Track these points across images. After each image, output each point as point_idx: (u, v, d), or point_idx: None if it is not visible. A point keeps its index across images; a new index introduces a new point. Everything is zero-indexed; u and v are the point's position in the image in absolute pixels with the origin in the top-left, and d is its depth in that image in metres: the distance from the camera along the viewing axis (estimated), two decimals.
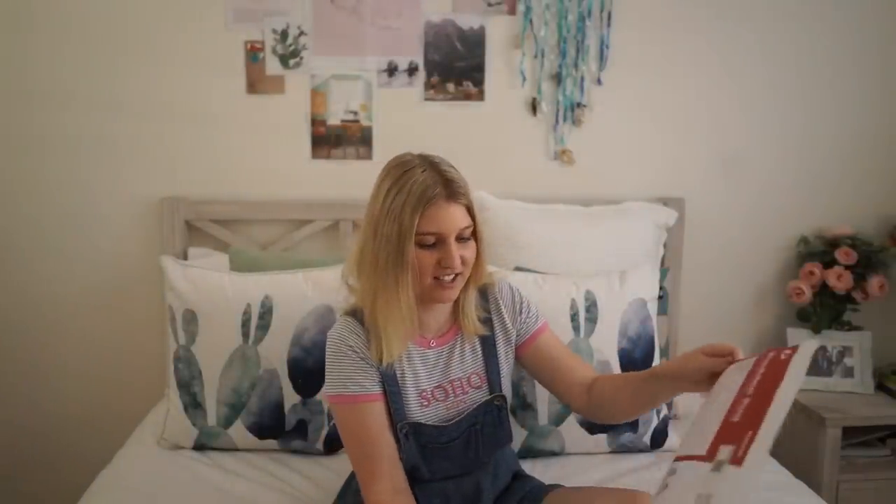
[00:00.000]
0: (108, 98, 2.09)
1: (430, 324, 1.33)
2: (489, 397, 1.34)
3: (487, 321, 1.36)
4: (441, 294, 1.25)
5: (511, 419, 1.47)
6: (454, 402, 1.32)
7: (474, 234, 1.26)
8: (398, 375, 1.28)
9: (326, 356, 1.28)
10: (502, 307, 1.38)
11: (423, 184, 1.19)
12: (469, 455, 1.31)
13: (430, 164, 1.23)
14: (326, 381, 1.27)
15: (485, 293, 1.38)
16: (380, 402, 1.25)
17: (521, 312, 1.39)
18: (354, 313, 1.29)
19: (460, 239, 1.23)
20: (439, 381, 1.32)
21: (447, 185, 1.21)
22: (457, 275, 1.24)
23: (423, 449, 1.28)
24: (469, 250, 1.25)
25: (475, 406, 1.32)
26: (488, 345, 1.36)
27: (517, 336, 1.38)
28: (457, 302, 1.32)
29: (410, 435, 1.26)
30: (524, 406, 1.68)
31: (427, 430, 1.28)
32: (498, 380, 1.35)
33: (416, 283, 1.22)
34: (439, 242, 1.22)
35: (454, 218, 1.21)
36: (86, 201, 2.13)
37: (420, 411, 1.29)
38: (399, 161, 1.25)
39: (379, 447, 1.23)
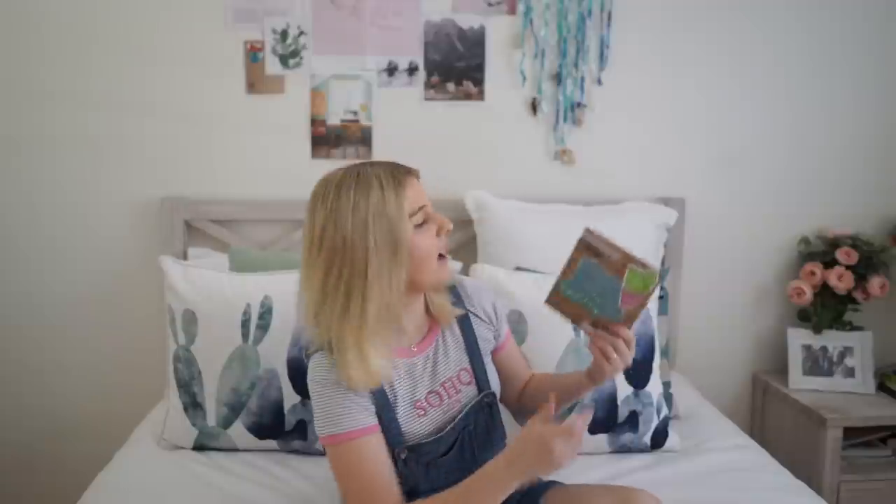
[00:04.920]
0: (108, 98, 2.09)
1: (410, 329, 1.30)
2: (479, 396, 1.32)
3: (464, 311, 1.36)
4: (446, 272, 1.25)
5: (507, 417, 1.48)
6: (449, 403, 1.30)
7: None
8: (389, 396, 1.24)
9: (312, 398, 1.22)
10: (475, 302, 1.38)
11: (386, 171, 1.18)
12: (465, 458, 1.29)
13: (366, 162, 1.22)
14: (316, 423, 1.21)
15: (453, 290, 1.37)
16: (377, 434, 1.20)
17: (496, 314, 1.40)
18: (324, 350, 1.23)
19: None
20: (431, 387, 1.29)
21: (400, 165, 1.22)
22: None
23: (427, 467, 1.25)
24: None
25: (468, 406, 1.31)
26: (470, 341, 1.35)
27: (494, 340, 1.40)
28: (425, 296, 1.31)
29: (410, 460, 1.23)
30: None
31: (427, 448, 1.25)
32: (484, 376, 1.34)
33: (420, 272, 1.20)
34: (426, 218, 1.21)
35: (422, 189, 1.22)
36: (86, 201, 2.13)
37: (418, 422, 1.26)
38: (339, 176, 1.19)
39: (381, 483, 1.17)
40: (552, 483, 1.38)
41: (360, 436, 1.18)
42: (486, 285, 1.47)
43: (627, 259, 1.18)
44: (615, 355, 1.21)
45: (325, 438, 1.20)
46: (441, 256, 1.24)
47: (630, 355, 1.22)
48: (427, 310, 1.33)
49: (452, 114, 2.16)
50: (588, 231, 1.23)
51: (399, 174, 1.19)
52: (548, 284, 1.28)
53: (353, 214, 1.15)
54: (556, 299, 1.26)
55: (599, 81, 2.17)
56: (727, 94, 2.22)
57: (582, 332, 1.70)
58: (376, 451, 1.19)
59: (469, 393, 1.32)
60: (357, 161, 1.26)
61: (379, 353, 1.18)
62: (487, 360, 1.38)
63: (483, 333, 1.37)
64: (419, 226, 1.20)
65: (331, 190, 1.18)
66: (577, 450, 1.10)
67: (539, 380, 1.44)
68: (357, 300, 1.16)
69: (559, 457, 1.08)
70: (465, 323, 1.35)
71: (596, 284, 1.21)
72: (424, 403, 1.28)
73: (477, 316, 1.37)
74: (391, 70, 2.13)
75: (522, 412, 1.46)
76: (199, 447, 1.71)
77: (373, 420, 1.20)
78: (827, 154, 2.27)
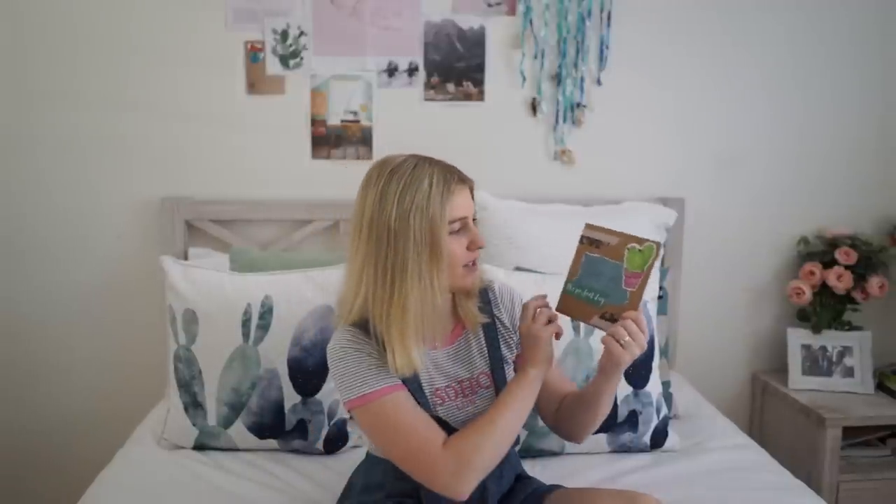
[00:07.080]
0: (108, 98, 2.09)
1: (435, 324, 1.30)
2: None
3: (490, 319, 1.35)
4: (471, 280, 1.26)
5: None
6: (464, 402, 1.30)
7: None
8: (411, 379, 1.24)
9: (333, 367, 1.22)
10: (502, 308, 1.37)
11: (441, 173, 1.20)
12: None
13: (427, 158, 1.23)
14: (342, 390, 1.20)
15: (484, 293, 1.37)
16: (406, 391, 1.21)
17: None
18: (358, 325, 1.23)
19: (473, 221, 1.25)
20: (448, 382, 1.31)
21: (457, 171, 1.23)
22: (474, 260, 1.25)
23: None
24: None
25: (483, 409, 1.31)
26: (493, 347, 1.35)
27: (516, 348, 1.38)
28: (454, 296, 1.31)
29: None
30: None
31: (448, 429, 1.23)
32: (504, 382, 1.33)
33: (448, 275, 1.21)
34: (463, 227, 1.22)
35: (470, 201, 1.23)
36: (86, 201, 2.13)
37: (434, 410, 1.27)
38: (397, 162, 1.22)
39: (425, 426, 1.18)
40: (554, 486, 1.38)
41: (391, 391, 1.19)
42: (518, 291, 1.42)
43: (626, 240, 1.19)
44: (627, 338, 1.17)
45: (355, 400, 1.19)
46: (467, 265, 1.24)
47: (643, 336, 1.18)
48: (455, 309, 1.33)
49: (452, 114, 2.16)
50: (587, 226, 1.24)
51: (451, 179, 1.20)
52: (547, 284, 1.27)
53: (398, 204, 1.17)
54: (566, 303, 1.25)
55: (599, 82, 2.18)
56: (726, 95, 2.22)
57: (582, 331, 1.70)
58: (410, 401, 1.20)
59: (486, 396, 1.32)
60: (418, 154, 1.24)
61: (417, 344, 1.20)
62: (509, 368, 1.36)
63: (507, 340, 1.37)
64: (454, 233, 1.21)
65: (385, 173, 1.20)
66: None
67: (571, 395, 1.38)
68: (400, 291, 1.18)
69: (546, 338, 1.23)
70: (489, 329, 1.35)
71: (601, 276, 1.21)
72: (443, 392, 1.29)
73: (502, 322, 1.37)
74: (391, 70, 2.13)
75: (558, 428, 1.41)
76: (199, 447, 1.71)
77: (398, 381, 1.21)
78: (826, 154, 2.28)
